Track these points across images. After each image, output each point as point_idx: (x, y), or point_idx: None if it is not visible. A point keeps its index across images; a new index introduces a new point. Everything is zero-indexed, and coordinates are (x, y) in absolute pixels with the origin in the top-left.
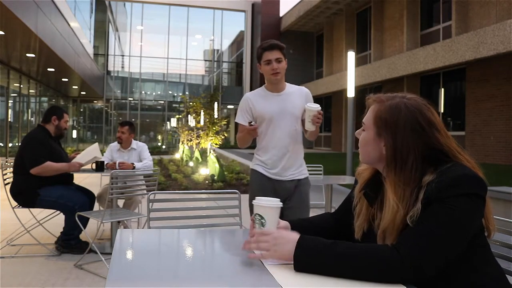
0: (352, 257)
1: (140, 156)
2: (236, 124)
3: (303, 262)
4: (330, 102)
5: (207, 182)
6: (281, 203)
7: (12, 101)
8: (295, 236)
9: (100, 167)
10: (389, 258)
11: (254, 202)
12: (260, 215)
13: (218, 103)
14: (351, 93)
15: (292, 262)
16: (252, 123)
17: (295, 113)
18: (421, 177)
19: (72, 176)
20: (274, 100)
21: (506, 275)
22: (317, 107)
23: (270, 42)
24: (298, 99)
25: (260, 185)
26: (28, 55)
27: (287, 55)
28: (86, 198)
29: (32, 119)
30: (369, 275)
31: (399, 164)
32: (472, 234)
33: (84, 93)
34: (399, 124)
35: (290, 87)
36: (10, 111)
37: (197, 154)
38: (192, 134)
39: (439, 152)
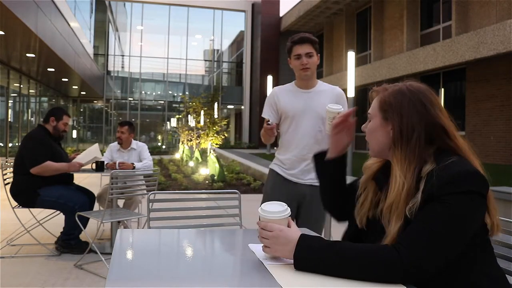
0: (352, 257)
1: (140, 156)
2: (237, 124)
3: (303, 262)
4: None
5: (207, 182)
6: (289, 211)
7: (12, 101)
8: (296, 235)
9: (100, 167)
10: (389, 258)
11: (259, 211)
12: None
13: (218, 103)
14: (351, 93)
15: (292, 261)
16: (269, 122)
17: (321, 113)
18: (421, 165)
19: (72, 176)
20: (300, 97)
21: (507, 275)
22: (339, 108)
23: (301, 35)
24: (328, 98)
25: (274, 185)
26: (28, 55)
27: (286, 54)
28: (86, 198)
29: (32, 119)
30: (369, 275)
31: (405, 141)
32: (472, 233)
33: (84, 93)
34: (404, 105)
35: (321, 85)
36: (10, 111)
37: (197, 154)
38: (192, 134)
39: (441, 130)
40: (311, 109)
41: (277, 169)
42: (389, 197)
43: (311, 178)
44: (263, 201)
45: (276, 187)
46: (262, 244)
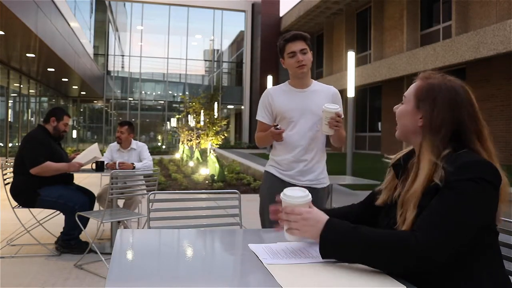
0: (374, 237)
1: (140, 156)
2: (237, 124)
3: (329, 243)
4: None
5: (207, 182)
6: (310, 196)
7: (12, 101)
8: (323, 217)
9: (100, 167)
10: (406, 240)
11: (282, 197)
12: None
13: (218, 103)
14: (351, 93)
15: (292, 261)
16: (278, 127)
17: (318, 113)
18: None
19: (72, 176)
20: (296, 97)
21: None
22: (336, 108)
23: (293, 32)
24: (324, 98)
25: (271, 187)
26: (28, 55)
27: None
28: (86, 198)
29: (32, 119)
30: (386, 257)
31: (434, 133)
32: (482, 222)
33: (84, 93)
34: (438, 100)
35: (316, 85)
36: (10, 111)
37: (197, 154)
38: (192, 134)
39: (470, 132)
40: (308, 109)
41: (273, 171)
42: (414, 185)
43: (309, 179)
44: (261, 204)
45: (273, 190)
46: (286, 228)
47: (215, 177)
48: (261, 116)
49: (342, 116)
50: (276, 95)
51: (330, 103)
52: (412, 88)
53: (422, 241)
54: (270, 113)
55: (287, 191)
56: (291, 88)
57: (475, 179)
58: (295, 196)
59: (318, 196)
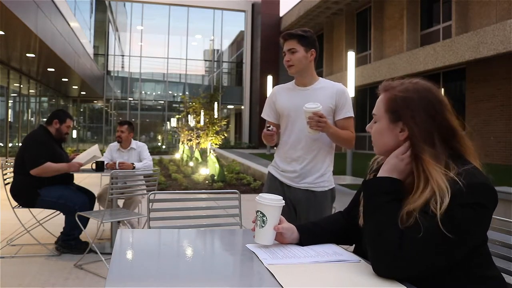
0: (380, 221)
1: (140, 156)
2: (237, 124)
3: (372, 189)
4: None
5: (207, 182)
6: (283, 201)
7: (12, 101)
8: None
9: (100, 167)
10: (392, 245)
11: (256, 198)
12: (261, 213)
13: (218, 103)
14: (351, 93)
15: (292, 261)
16: (269, 128)
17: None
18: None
19: (72, 176)
20: (297, 95)
21: (506, 275)
22: (315, 107)
23: (286, 31)
24: (327, 96)
25: (270, 189)
26: (28, 55)
27: None
28: (86, 198)
29: (32, 119)
30: (374, 242)
31: (428, 145)
32: (474, 243)
33: (84, 93)
34: (414, 105)
35: (321, 82)
36: (10, 111)
37: (197, 154)
38: (192, 134)
39: (451, 133)
40: None
41: (273, 172)
42: (419, 201)
43: (306, 182)
44: None
45: (271, 191)
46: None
47: (215, 177)
48: (265, 114)
49: (323, 116)
50: (280, 93)
51: (312, 102)
52: (379, 103)
53: (404, 252)
54: (274, 111)
55: (261, 196)
56: (295, 86)
57: (471, 205)
58: (269, 197)
59: (317, 200)
